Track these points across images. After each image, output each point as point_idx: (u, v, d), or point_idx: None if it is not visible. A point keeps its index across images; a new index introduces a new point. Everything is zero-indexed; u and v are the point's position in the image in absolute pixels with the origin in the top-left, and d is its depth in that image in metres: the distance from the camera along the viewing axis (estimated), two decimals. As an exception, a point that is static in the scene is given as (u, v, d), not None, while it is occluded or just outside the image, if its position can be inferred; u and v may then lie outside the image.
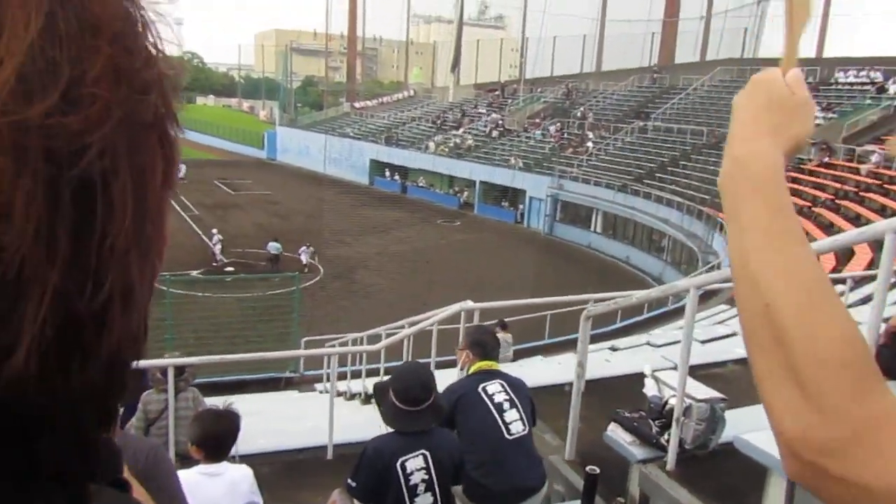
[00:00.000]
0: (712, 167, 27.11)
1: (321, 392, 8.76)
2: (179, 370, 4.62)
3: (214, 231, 22.65)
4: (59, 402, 0.27)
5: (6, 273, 0.23)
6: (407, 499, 2.74)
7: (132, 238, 0.27)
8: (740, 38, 42.76)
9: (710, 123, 30.57)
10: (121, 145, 0.26)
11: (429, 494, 2.78)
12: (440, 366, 6.68)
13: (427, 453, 2.80)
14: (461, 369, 4.10)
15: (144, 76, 0.28)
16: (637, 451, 3.45)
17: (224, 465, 2.81)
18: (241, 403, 3.03)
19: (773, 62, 0.63)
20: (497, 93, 47.29)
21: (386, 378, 3.10)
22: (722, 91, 34.17)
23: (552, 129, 37.36)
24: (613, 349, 8.68)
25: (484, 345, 3.66)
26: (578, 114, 38.55)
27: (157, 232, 0.30)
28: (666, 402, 3.45)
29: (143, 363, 0.30)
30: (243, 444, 2.90)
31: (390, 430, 2.88)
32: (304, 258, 21.76)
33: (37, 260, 0.24)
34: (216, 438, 2.80)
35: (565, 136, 36.48)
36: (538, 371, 6.69)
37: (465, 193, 36.35)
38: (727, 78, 35.38)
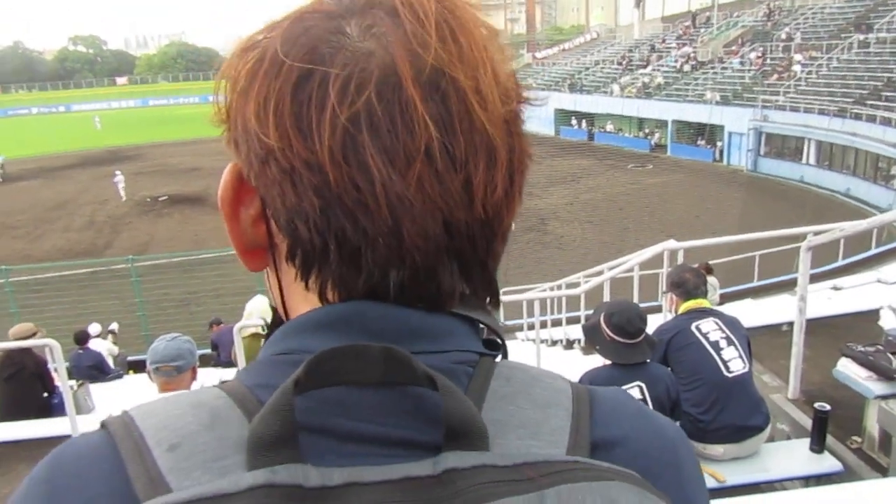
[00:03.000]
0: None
1: (523, 340, 9.02)
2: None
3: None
4: (496, 237, 0.49)
5: (495, 154, 0.47)
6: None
7: (525, 163, 0.51)
8: None
9: (952, 27, 26.10)
10: (521, 124, 0.51)
11: (647, 425, 2.82)
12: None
13: (643, 385, 2.83)
14: (669, 311, 4.05)
15: (521, 93, 0.51)
16: (875, 387, 3.20)
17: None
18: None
19: None
20: (687, 24, 44.03)
21: (590, 320, 3.14)
22: (967, -13, 28.93)
23: (752, 55, 34.11)
24: (836, 289, 7.96)
25: (684, 283, 3.56)
26: (783, 35, 34.77)
27: None
28: (908, 336, 3.17)
29: None
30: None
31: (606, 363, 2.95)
32: None
33: (503, 154, 0.48)
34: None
35: (768, 61, 33.14)
36: (750, 312, 6.35)
37: (657, 135, 34.56)
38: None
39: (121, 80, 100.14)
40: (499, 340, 0.53)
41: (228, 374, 7.70)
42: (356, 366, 0.41)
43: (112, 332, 10.73)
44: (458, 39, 0.45)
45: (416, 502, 0.39)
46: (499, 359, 0.52)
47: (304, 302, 0.49)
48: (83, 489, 0.41)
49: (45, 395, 5.68)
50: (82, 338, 8.46)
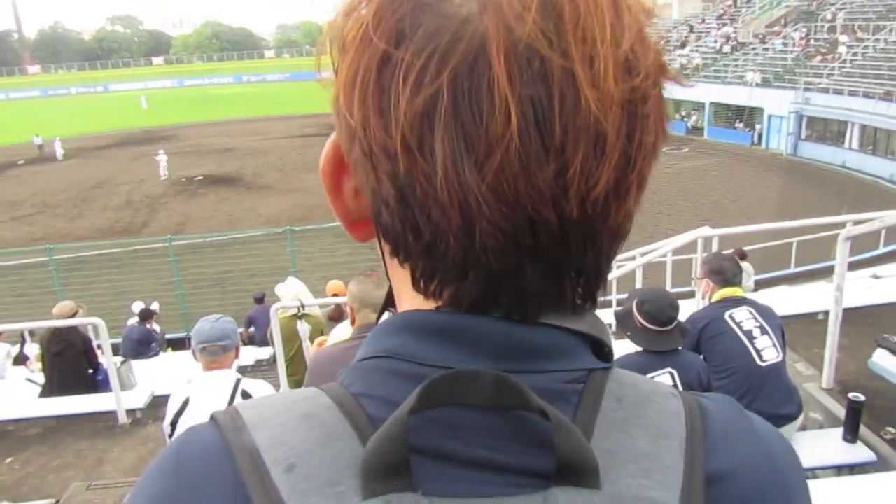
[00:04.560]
0: None
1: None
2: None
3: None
4: (601, 235, 0.44)
5: (604, 141, 0.40)
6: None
7: (650, 150, 0.44)
8: None
9: None
10: (656, 102, 0.43)
11: (677, 412, 2.84)
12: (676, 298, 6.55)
13: (674, 371, 2.85)
14: (703, 298, 4.04)
15: (659, 66, 0.44)
16: (910, 379, 3.18)
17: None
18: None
19: None
20: (728, 3, 43.00)
21: (622, 306, 3.15)
22: None
23: (796, 36, 33.22)
24: (875, 277, 7.82)
25: (724, 271, 3.56)
26: (828, 16, 33.78)
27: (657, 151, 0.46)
28: (946, 328, 3.12)
29: None
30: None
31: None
32: None
33: (614, 140, 0.41)
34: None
35: (811, 42, 32.26)
36: (785, 299, 6.28)
37: (694, 117, 34.01)
38: None
39: (157, 61, 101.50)
40: (606, 348, 0.50)
41: (263, 352, 7.91)
42: (468, 392, 0.41)
43: (154, 311, 11.10)
44: (570, 2, 0.40)
45: None
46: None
47: (403, 282, 0.48)
48: (207, 498, 0.43)
49: (90, 371, 5.91)
50: (146, 315, 9.29)
